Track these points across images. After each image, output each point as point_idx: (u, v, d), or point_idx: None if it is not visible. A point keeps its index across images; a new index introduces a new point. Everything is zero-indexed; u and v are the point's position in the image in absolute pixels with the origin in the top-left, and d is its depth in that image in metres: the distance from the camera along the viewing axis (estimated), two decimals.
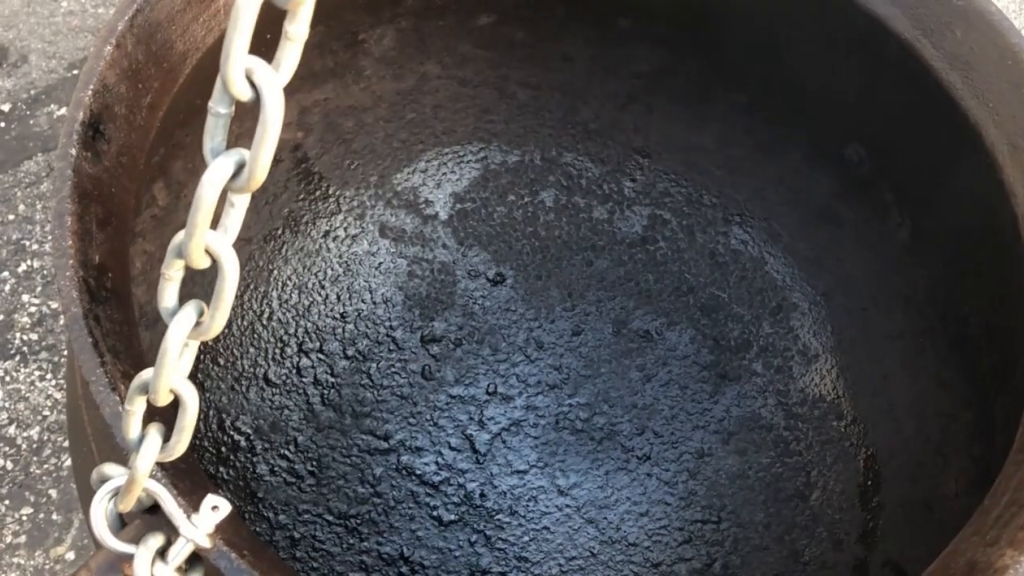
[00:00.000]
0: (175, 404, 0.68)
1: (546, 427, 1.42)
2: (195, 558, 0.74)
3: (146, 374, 0.66)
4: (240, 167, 0.57)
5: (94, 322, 0.80)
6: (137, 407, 0.67)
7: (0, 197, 2.17)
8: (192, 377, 0.67)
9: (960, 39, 1.09)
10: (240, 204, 0.59)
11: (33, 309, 2.03)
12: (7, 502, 1.83)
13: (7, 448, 1.89)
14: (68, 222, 0.82)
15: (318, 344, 1.40)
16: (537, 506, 1.37)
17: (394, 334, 1.44)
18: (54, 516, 1.83)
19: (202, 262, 0.60)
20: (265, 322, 1.38)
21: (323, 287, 1.42)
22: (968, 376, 1.23)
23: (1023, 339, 1.05)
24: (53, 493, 1.85)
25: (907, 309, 1.32)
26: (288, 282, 1.40)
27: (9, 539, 1.80)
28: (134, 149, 0.93)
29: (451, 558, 1.32)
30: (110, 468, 0.72)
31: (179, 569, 0.72)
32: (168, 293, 0.62)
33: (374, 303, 1.44)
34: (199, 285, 1.05)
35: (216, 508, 0.72)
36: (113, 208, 0.88)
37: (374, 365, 1.41)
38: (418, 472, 1.36)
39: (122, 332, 0.83)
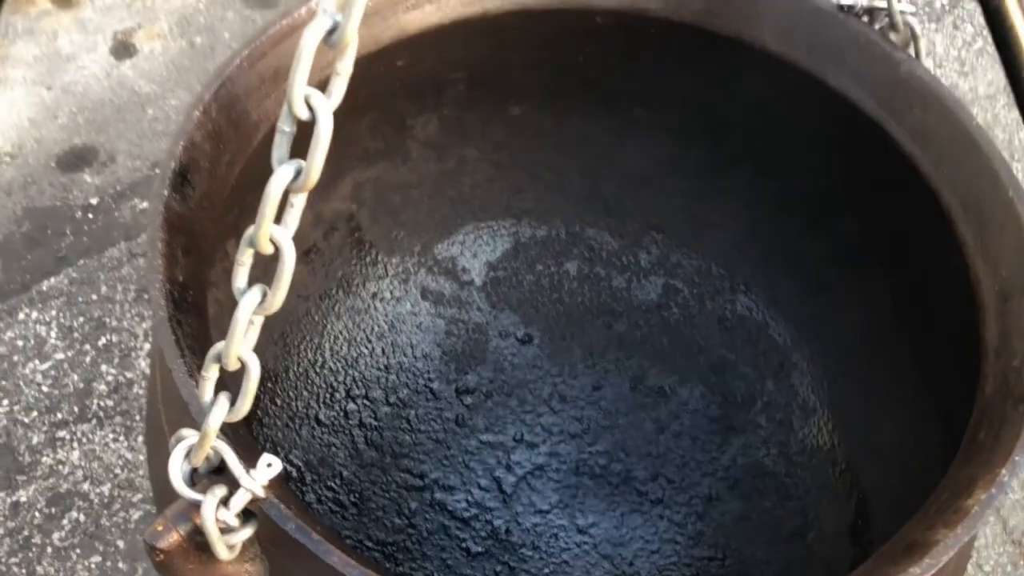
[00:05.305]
0: (239, 378, 0.85)
1: (567, 472, 1.55)
2: (249, 514, 0.90)
3: (218, 346, 0.83)
4: (299, 172, 0.75)
5: (176, 324, 0.97)
6: (211, 374, 0.84)
7: (85, 280, 2.38)
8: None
9: (918, 116, 1.25)
10: (298, 204, 0.77)
11: (111, 378, 2.22)
12: (78, 550, 1.99)
13: (81, 502, 2.05)
14: (159, 246, 1.01)
15: (364, 391, 1.56)
16: (557, 542, 1.50)
17: (432, 385, 1.59)
18: (120, 564, 1.98)
19: (267, 248, 0.77)
20: (318, 369, 1.55)
21: (370, 341, 1.59)
22: (949, 425, 1.35)
23: (983, 386, 1.15)
24: (120, 543, 2.00)
25: (894, 365, 1.43)
26: (339, 336, 1.57)
27: None
28: (213, 196, 1.12)
29: None
30: (186, 431, 0.89)
31: (237, 516, 0.88)
32: (240, 276, 0.80)
33: (415, 357, 1.61)
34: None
35: (270, 465, 0.88)
36: (195, 240, 1.07)
37: (413, 412, 1.57)
38: (450, 508, 1.50)
39: (197, 336, 1.00)
